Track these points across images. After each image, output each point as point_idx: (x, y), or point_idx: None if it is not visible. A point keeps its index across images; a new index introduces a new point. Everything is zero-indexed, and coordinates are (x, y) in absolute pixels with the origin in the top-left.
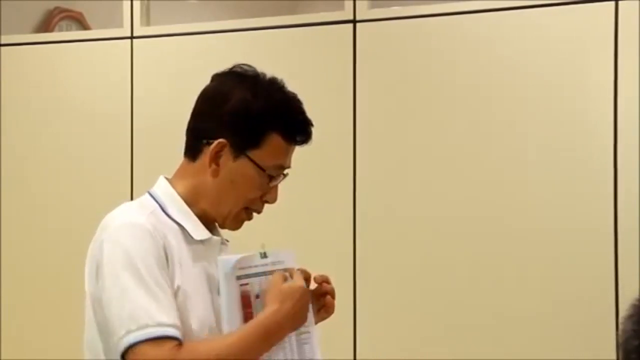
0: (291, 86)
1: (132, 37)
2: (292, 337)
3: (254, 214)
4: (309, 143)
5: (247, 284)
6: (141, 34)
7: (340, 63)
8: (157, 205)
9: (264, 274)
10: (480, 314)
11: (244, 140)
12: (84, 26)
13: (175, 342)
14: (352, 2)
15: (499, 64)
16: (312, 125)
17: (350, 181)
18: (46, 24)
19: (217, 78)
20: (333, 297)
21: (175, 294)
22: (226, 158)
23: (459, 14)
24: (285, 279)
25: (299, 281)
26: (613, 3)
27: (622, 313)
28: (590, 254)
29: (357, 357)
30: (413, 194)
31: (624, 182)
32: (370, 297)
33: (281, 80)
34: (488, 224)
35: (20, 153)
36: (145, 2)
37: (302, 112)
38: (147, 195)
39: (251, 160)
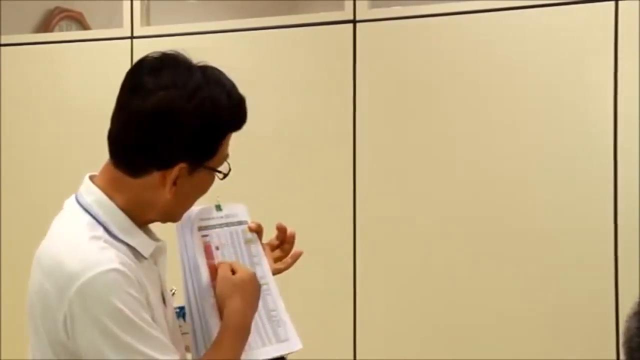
0: (291, 86)
1: (132, 37)
2: None
3: None
4: None
5: (207, 235)
6: (141, 34)
7: (340, 63)
8: (101, 227)
9: (220, 226)
10: (480, 314)
11: (203, 156)
12: (84, 26)
13: None
14: (352, 2)
15: (499, 64)
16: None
17: (350, 181)
18: (46, 24)
19: (155, 91)
20: (292, 244)
21: None
22: (182, 177)
23: (459, 14)
24: (232, 270)
25: (245, 271)
26: (613, 3)
27: (622, 313)
28: (590, 254)
29: (357, 357)
30: (413, 194)
31: (624, 182)
32: (370, 297)
33: (214, 69)
34: (488, 224)
35: (20, 153)
36: (145, 2)
37: (243, 100)
38: (79, 208)
39: (208, 168)
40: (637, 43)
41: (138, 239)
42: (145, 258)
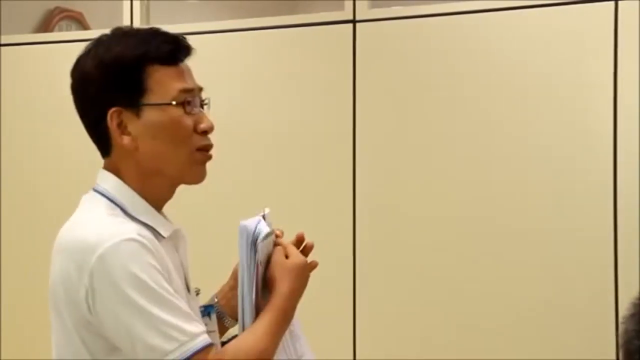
0: (291, 86)
1: None
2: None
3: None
4: (192, 53)
5: (257, 252)
6: None
7: (340, 63)
8: (119, 208)
9: (265, 238)
10: (480, 313)
11: (129, 93)
12: (84, 26)
13: (212, 347)
14: (352, 2)
15: (499, 64)
16: (180, 36)
17: (350, 181)
18: (46, 24)
19: (70, 74)
20: (307, 256)
21: None
22: (130, 122)
23: (459, 14)
24: (285, 255)
25: (299, 257)
26: (613, 3)
27: (622, 313)
28: (590, 254)
29: (357, 357)
30: (413, 194)
31: (624, 182)
32: (370, 297)
33: (124, 27)
34: (487, 223)
35: (20, 153)
36: (145, 2)
37: (159, 32)
38: (96, 194)
39: (151, 104)
40: (637, 43)
41: (155, 218)
42: (164, 237)
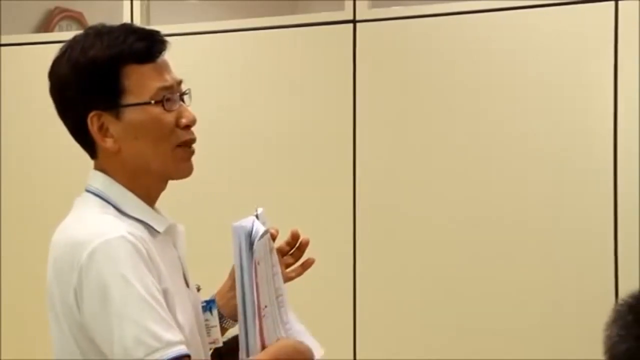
0: (291, 86)
1: None
2: (274, 300)
3: (194, 147)
4: (168, 47)
5: (254, 251)
6: None
7: (340, 63)
8: (111, 207)
9: (261, 237)
10: (480, 313)
11: (107, 95)
12: (84, 26)
13: (189, 359)
14: (352, 2)
15: (499, 64)
16: (154, 32)
17: (350, 181)
18: (46, 24)
19: (48, 77)
20: (303, 252)
21: (164, 298)
22: (111, 125)
23: (459, 14)
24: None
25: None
26: (613, 3)
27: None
28: (590, 254)
29: (357, 357)
30: (413, 194)
31: (624, 182)
32: (370, 297)
33: (98, 25)
34: (487, 223)
35: (21, 153)
36: (145, 2)
37: (132, 29)
38: (88, 194)
39: (130, 105)
40: (637, 43)
41: (148, 214)
42: (159, 232)
